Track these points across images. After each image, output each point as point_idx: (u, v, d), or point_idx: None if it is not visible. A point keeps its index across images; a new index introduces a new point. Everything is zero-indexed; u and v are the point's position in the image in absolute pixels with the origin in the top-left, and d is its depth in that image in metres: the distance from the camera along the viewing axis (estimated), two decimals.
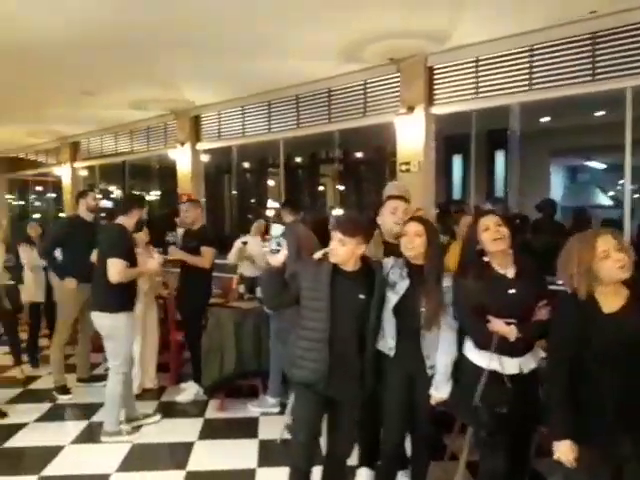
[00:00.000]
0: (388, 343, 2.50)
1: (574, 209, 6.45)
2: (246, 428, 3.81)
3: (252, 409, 4.09)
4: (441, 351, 2.45)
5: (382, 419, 2.62)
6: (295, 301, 2.44)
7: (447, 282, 2.46)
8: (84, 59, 5.17)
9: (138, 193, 7.05)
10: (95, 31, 4.37)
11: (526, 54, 4.50)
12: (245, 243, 5.21)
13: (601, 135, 6.64)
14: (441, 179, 5.86)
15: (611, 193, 9.05)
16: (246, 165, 10.49)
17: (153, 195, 10.52)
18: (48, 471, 3.21)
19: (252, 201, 10.85)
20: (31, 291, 5.35)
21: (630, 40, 3.90)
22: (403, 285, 2.47)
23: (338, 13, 4.05)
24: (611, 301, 1.95)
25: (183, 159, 7.65)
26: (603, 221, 5.91)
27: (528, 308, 2.31)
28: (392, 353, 2.50)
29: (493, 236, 2.31)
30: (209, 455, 3.43)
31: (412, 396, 2.52)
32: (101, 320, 3.59)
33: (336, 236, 2.34)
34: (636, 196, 8.84)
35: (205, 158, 7.77)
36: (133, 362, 3.96)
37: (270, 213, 9.57)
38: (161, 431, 3.78)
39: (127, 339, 3.62)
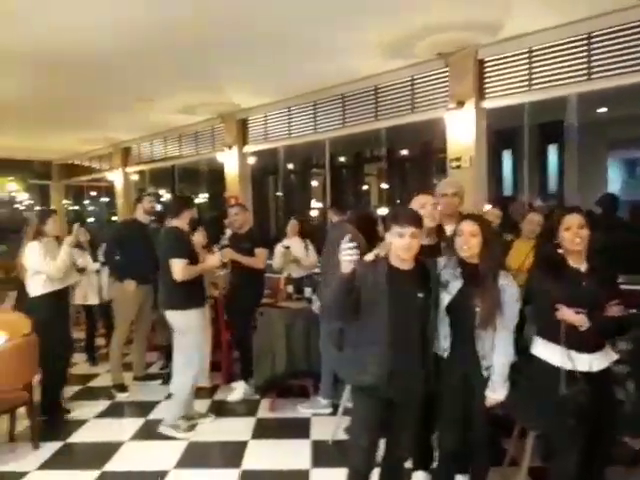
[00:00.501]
0: (442, 344, 2.46)
1: (631, 204, 6.12)
2: (298, 428, 3.81)
3: (303, 411, 4.09)
4: (498, 352, 2.40)
5: (438, 422, 2.56)
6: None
7: (503, 280, 2.39)
8: (136, 67, 5.35)
9: (185, 194, 7.17)
10: (146, 39, 4.51)
11: (584, 42, 4.30)
12: (287, 247, 5.25)
13: None
14: (491, 175, 5.68)
15: None
16: (291, 166, 10.55)
17: (201, 198, 10.75)
18: (109, 466, 3.31)
19: (297, 202, 10.91)
20: (84, 294, 5.52)
21: None
22: (456, 285, 2.42)
23: (386, 9, 4.01)
24: None
25: (230, 162, 7.77)
26: None
27: (599, 303, 2.30)
28: (446, 354, 2.45)
29: (573, 238, 2.33)
30: (263, 454, 3.44)
31: (468, 398, 2.45)
32: (173, 317, 3.72)
33: (407, 231, 2.26)
34: None
35: (252, 160, 7.86)
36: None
37: (314, 213, 9.61)
38: (216, 430, 3.83)
39: (198, 334, 3.72)
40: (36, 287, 3.86)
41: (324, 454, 3.39)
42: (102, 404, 4.38)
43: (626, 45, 4.06)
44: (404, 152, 9.46)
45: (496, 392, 2.40)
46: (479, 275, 2.39)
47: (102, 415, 4.18)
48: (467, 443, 2.55)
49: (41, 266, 3.79)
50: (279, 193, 9.73)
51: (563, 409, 2.25)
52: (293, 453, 3.42)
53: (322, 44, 4.77)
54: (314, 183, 10.95)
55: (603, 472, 2.47)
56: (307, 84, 6.22)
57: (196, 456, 3.45)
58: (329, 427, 3.64)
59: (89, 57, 4.94)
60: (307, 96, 6.61)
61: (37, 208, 13.75)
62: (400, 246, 2.27)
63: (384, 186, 9.61)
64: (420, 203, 2.85)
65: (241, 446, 3.55)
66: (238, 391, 4.42)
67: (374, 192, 10.58)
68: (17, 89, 6.02)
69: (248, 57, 5.12)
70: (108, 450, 3.52)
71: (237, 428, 3.82)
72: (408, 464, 2.71)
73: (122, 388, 4.62)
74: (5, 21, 4.10)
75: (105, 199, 13.20)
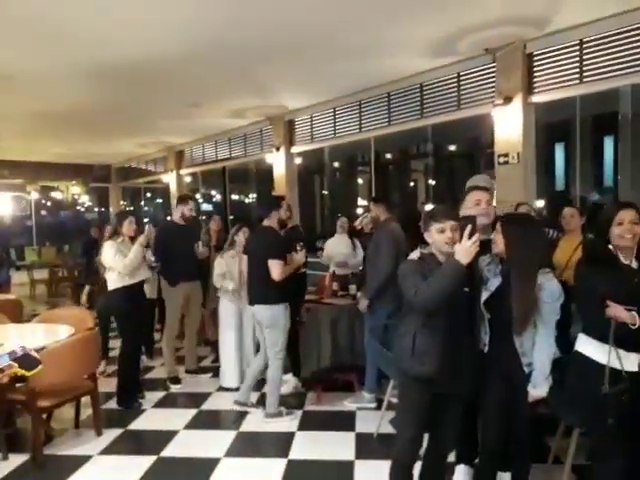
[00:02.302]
0: (482, 339, 2.47)
1: None
2: (343, 421, 3.89)
3: (348, 405, 4.17)
4: (538, 348, 2.39)
5: (481, 417, 2.57)
6: None
7: (541, 278, 2.36)
8: (188, 74, 5.60)
9: (274, 194, 7.16)
10: (196, 44, 4.71)
11: (638, 32, 4.14)
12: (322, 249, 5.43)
13: None
14: (541, 170, 5.54)
15: None
16: (336, 165, 10.64)
17: (250, 198, 11.02)
18: (166, 452, 3.51)
19: (342, 200, 10.99)
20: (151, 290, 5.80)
21: None
22: (495, 282, 2.44)
23: (432, 7, 4.02)
24: None
25: (278, 162, 7.95)
26: None
27: None
28: (486, 349, 2.47)
29: (625, 233, 2.30)
30: (309, 445, 3.55)
31: (510, 395, 2.45)
32: (263, 312, 3.92)
33: (447, 225, 2.29)
34: None
35: (298, 160, 8.00)
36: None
37: (360, 211, 9.65)
38: (263, 420, 3.96)
39: (285, 328, 3.91)
40: (111, 282, 4.23)
41: (368, 446, 3.47)
42: (158, 395, 4.63)
43: None
44: (451, 148, 9.34)
45: (537, 388, 2.39)
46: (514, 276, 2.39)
47: (158, 405, 4.41)
48: (509, 440, 2.56)
49: (112, 263, 4.14)
50: (325, 192, 9.83)
51: (604, 408, 2.22)
52: (338, 445, 3.51)
53: (368, 44, 4.82)
54: (360, 181, 11.00)
55: None
56: (353, 84, 6.29)
57: (245, 445, 3.60)
58: (373, 421, 3.71)
59: (145, 66, 5.23)
60: (353, 96, 6.68)
61: (96, 209, 14.55)
62: (443, 241, 2.31)
63: (431, 182, 9.52)
64: (475, 200, 2.80)
65: (288, 437, 3.67)
66: (289, 384, 4.55)
67: (421, 188, 10.51)
68: (79, 99, 6.44)
69: (296, 59, 5.25)
70: (164, 437, 3.72)
71: (284, 420, 3.95)
72: (450, 458, 2.73)
73: (176, 380, 4.86)
74: (68, 34, 4.41)
75: (160, 200, 13.75)
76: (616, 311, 2.24)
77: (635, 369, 2.25)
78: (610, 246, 2.35)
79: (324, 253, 5.63)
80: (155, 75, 5.55)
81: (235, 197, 10.75)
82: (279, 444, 3.58)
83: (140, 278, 4.30)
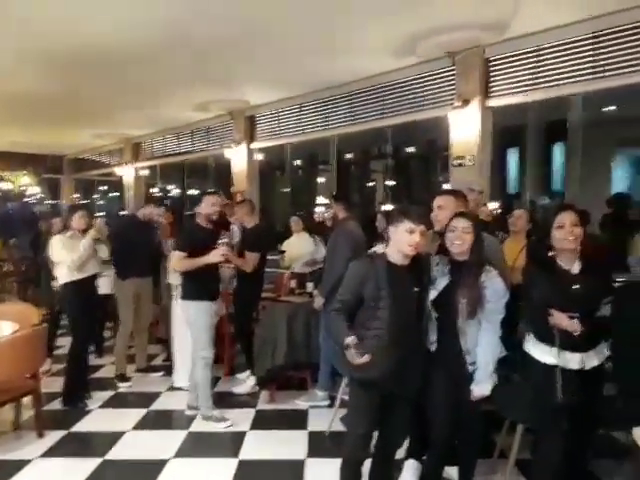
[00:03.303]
0: (430, 338, 2.50)
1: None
2: (296, 420, 3.86)
3: (301, 403, 4.14)
4: (481, 346, 2.44)
5: (429, 413, 2.59)
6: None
7: (486, 276, 2.43)
8: (150, 64, 5.43)
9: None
10: (160, 36, 4.58)
11: (590, 41, 4.29)
12: (283, 252, 5.43)
13: None
14: (495, 173, 5.68)
15: None
16: (298, 162, 10.60)
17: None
18: (111, 455, 3.38)
19: (304, 198, 10.97)
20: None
21: None
22: (442, 282, 2.47)
23: (395, 9, 4.04)
24: None
25: (238, 158, 7.83)
26: None
27: (592, 304, 2.28)
28: (433, 347, 2.50)
29: (566, 236, 2.30)
30: (260, 445, 3.50)
31: (456, 392, 2.48)
32: (182, 307, 3.89)
33: (419, 228, 2.30)
34: None
35: (259, 157, 7.92)
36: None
37: (320, 209, 9.64)
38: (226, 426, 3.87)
39: (205, 326, 3.78)
40: (61, 276, 4.10)
41: (320, 445, 3.45)
42: (106, 394, 4.46)
43: (632, 44, 4.04)
44: (410, 149, 9.47)
45: (480, 386, 2.43)
46: (464, 272, 2.42)
47: (106, 405, 4.25)
48: (457, 435, 2.59)
49: (59, 257, 4.03)
50: (286, 189, 9.78)
51: (556, 412, 2.26)
52: (290, 444, 3.48)
53: (332, 43, 4.82)
54: (321, 179, 11.00)
55: (586, 464, 2.50)
56: (317, 82, 6.26)
57: (195, 446, 3.52)
58: (326, 419, 3.69)
59: (103, 54, 5.03)
60: (316, 93, 6.64)
61: (47, 202, 13.97)
62: (408, 242, 2.29)
63: (389, 183, 9.63)
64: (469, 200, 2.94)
65: (240, 436, 3.61)
66: (247, 383, 4.48)
67: (380, 189, 10.61)
68: (32, 85, 6.14)
69: (261, 55, 5.18)
70: (110, 439, 3.58)
71: (236, 419, 3.88)
72: (399, 454, 2.74)
73: (124, 378, 4.71)
74: (18, 19, 4.18)
75: (115, 194, 13.34)
76: (559, 319, 2.26)
77: (577, 367, 2.31)
78: (552, 252, 2.36)
79: (286, 256, 5.58)
80: (112, 63, 5.35)
81: (193, 192, 10.55)
82: (230, 444, 3.51)
83: (90, 273, 4.15)
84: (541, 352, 2.38)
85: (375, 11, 4.09)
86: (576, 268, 2.34)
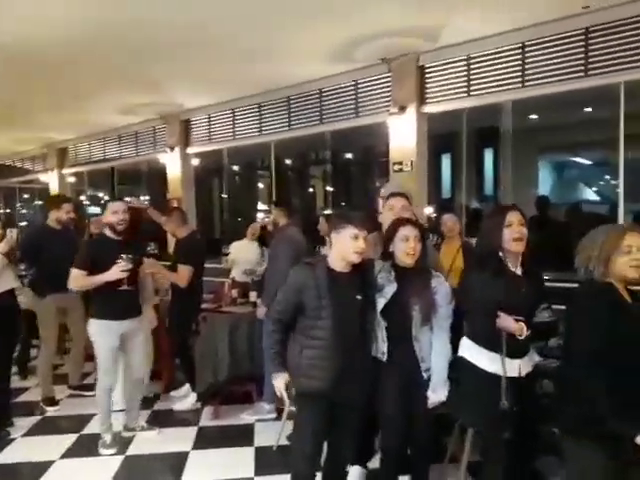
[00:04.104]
0: (380, 347, 2.46)
1: (569, 205, 6.49)
2: (242, 435, 3.73)
3: (246, 417, 4.01)
4: (436, 353, 2.43)
5: (381, 423, 2.56)
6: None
7: (435, 281, 2.45)
8: (73, 65, 5.10)
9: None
10: (83, 36, 4.31)
11: (518, 51, 4.47)
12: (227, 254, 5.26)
13: (588, 131, 6.67)
14: (430, 178, 5.82)
15: (595, 188, 9.09)
16: (236, 168, 10.42)
17: (143, 201, 10.40)
18: None
19: (242, 204, 10.80)
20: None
21: (623, 35, 3.89)
22: (390, 289, 2.43)
23: (330, 14, 4.02)
24: (625, 293, 1.93)
25: (173, 163, 7.56)
26: (587, 217, 5.98)
27: (534, 307, 2.32)
28: (385, 358, 2.44)
29: (515, 235, 2.25)
30: (204, 465, 3.33)
31: (410, 400, 2.46)
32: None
33: (363, 234, 2.25)
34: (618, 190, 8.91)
35: (195, 162, 7.69)
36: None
37: (260, 215, 9.52)
38: (154, 441, 3.67)
39: (102, 347, 3.48)
40: None
41: (268, 460, 3.33)
42: (32, 420, 4.11)
43: (558, 54, 4.25)
44: (348, 155, 9.55)
45: (437, 393, 2.43)
46: (413, 278, 2.41)
47: (31, 432, 3.91)
48: (409, 444, 2.57)
49: None
50: (224, 195, 9.57)
51: (500, 419, 2.27)
52: (236, 462, 3.34)
53: (266, 46, 4.73)
54: (260, 185, 10.87)
55: (531, 464, 2.56)
56: (252, 86, 6.15)
57: (133, 471, 3.30)
58: (273, 432, 3.58)
59: (24, 53, 4.66)
60: (252, 98, 6.53)
61: None
62: (354, 248, 2.24)
63: (329, 189, 9.66)
64: (390, 205, 2.86)
65: (181, 457, 3.42)
66: (187, 400, 4.27)
67: (319, 194, 10.63)
68: None
69: (191, 58, 5.01)
70: (37, 469, 3.29)
71: (177, 438, 3.69)
72: None
73: (52, 402, 4.36)
74: None
75: (39, 202, 12.53)
76: (506, 322, 2.23)
77: (516, 374, 2.29)
78: (500, 253, 2.30)
79: (229, 256, 5.43)
80: (34, 63, 4.98)
81: (125, 199, 10.09)
82: (171, 467, 3.32)
83: (4, 288, 3.78)
84: (480, 358, 2.32)
85: (311, 16, 4.05)
86: (519, 271, 2.33)
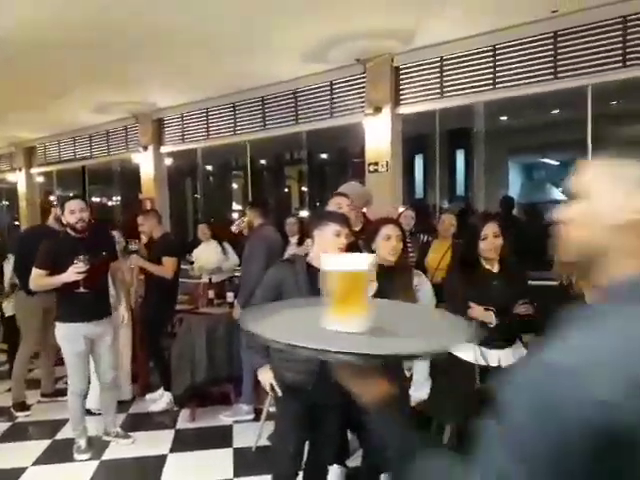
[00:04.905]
0: None
1: (525, 205, 6.69)
2: (220, 437, 3.70)
3: (225, 419, 3.98)
4: None
5: (364, 421, 2.57)
6: None
7: (417, 279, 2.50)
8: (43, 62, 4.97)
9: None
10: (53, 33, 4.20)
11: (490, 53, 4.56)
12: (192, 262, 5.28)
13: (556, 133, 6.86)
14: (405, 179, 5.91)
15: (562, 189, 9.37)
16: (210, 168, 10.33)
17: (115, 201, 10.22)
18: None
19: (217, 205, 10.70)
20: None
21: (590, 38, 4.02)
22: (371, 288, 2.45)
23: (306, 14, 4.02)
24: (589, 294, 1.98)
25: (146, 163, 7.45)
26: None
27: (508, 301, 2.42)
28: None
29: (489, 247, 2.47)
30: (182, 468, 3.30)
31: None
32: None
33: (343, 231, 2.29)
34: None
35: (168, 161, 7.59)
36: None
37: (235, 216, 9.46)
38: (131, 445, 3.62)
39: (70, 351, 3.40)
40: None
41: (246, 462, 3.32)
42: (1, 427, 4.00)
43: (529, 57, 4.35)
44: (324, 156, 9.58)
45: (419, 391, 2.47)
46: (394, 276, 2.45)
47: (1, 439, 3.81)
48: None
49: None
50: (197, 195, 9.47)
51: (477, 402, 2.35)
52: (214, 464, 3.31)
53: (241, 46, 4.70)
54: (235, 185, 10.80)
55: None
56: (226, 85, 6.10)
57: (109, 476, 3.25)
58: (252, 434, 3.57)
59: None
60: (226, 97, 6.49)
61: None
62: (337, 245, 2.27)
63: (304, 189, 9.67)
64: (336, 203, 2.96)
65: (159, 461, 3.38)
66: (162, 400, 4.22)
67: (295, 194, 10.62)
68: None
69: (164, 56, 4.95)
70: (7, 478, 3.20)
71: (155, 441, 3.64)
72: None
73: (23, 407, 4.25)
74: None
75: (5, 202, 12.17)
76: (476, 312, 2.39)
77: (495, 364, 2.43)
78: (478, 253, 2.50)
79: (195, 266, 5.38)
80: (1, 61, 4.83)
81: (98, 199, 9.89)
82: (148, 471, 3.28)
83: None
84: (460, 348, 2.45)
85: (285, 15, 4.04)
86: (495, 268, 2.51)
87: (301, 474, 2.48)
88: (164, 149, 7.39)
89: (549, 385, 0.63)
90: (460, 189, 9.03)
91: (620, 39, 3.92)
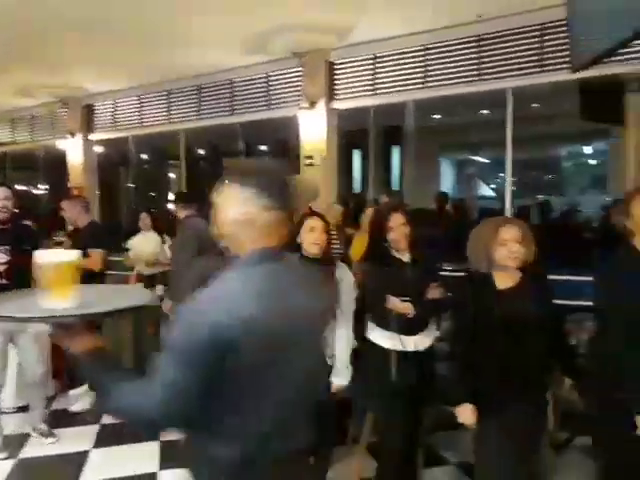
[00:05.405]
0: None
1: (454, 201, 7.02)
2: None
3: None
4: (338, 339, 2.54)
5: None
6: None
7: (339, 271, 2.56)
8: None
9: None
10: None
11: (420, 53, 4.72)
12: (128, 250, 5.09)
13: (485, 132, 7.20)
14: (342, 173, 6.01)
15: (493, 186, 9.89)
16: (145, 157, 10.01)
17: (41, 189, 9.68)
18: None
19: (152, 194, 10.40)
20: None
21: (511, 44, 4.25)
22: None
23: (243, 4, 3.99)
24: (504, 280, 2.12)
25: (74, 150, 7.13)
26: (480, 211, 6.50)
27: (422, 289, 2.52)
28: None
29: (397, 237, 2.52)
30: (105, 464, 3.22)
31: (315, 386, 2.55)
32: None
33: (317, 225, 2.37)
34: (513, 188, 9.75)
35: (99, 149, 7.30)
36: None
37: (171, 206, 9.23)
38: (52, 442, 3.48)
39: None
40: None
41: (174, 454, 3.27)
42: None
43: (456, 59, 4.54)
44: (262, 147, 9.53)
45: (339, 377, 2.54)
46: (318, 268, 2.51)
47: None
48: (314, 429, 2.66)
49: None
50: (131, 184, 9.16)
51: (394, 393, 2.46)
52: (140, 457, 3.26)
53: (174, 31, 4.60)
54: (172, 175, 10.52)
55: (423, 439, 2.77)
56: (160, 72, 5.95)
57: (26, 475, 3.12)
58: None
59: None
60: (161, 85, 6.33)
61: None
62: (313, 240, 2.38)
63: None
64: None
65: (81, 457, 3.28)
66: (84, 400, 4.08)
67: None
68: None
69: (96, 39, 4.75)
70: None
71: (77, 437, 3.53)
72: None
73: None
74: None
75: None
76: (394, 304, 2.48)
77: (412, 349, 2.53)
78: (385, 244, 2.56)
79: (131, 254, 5.22)
80: None
81: (21, 187, 9.32)
82: (68, 468, 3.17)
83: None
84: (380, 337, 2.56)
85: (224, 5, 4.01)
86: (406, 257, 2.59)
87: None
88: (94, 136, 7.09)
89: (191, 313, 1.14)
90: (395, 184, 9.27)
91: (538, 45, 4.18)
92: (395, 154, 8.74)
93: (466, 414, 2.07)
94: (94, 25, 4.38)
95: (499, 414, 2.02)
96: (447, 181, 9.70)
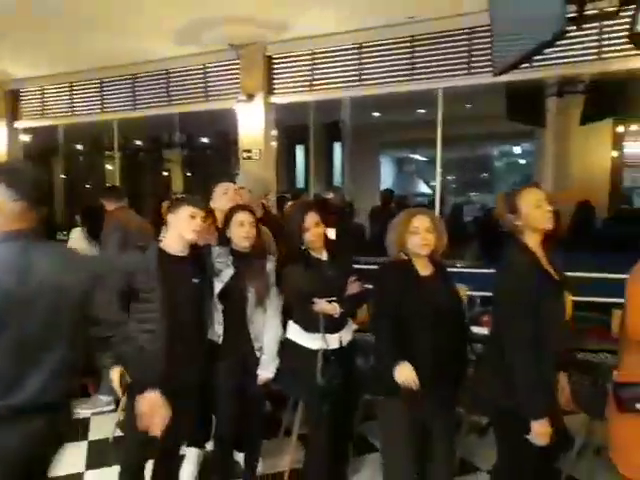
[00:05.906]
0: (217, 330, 2.53)
1: (397, 197, 7.22)
2: (75, 431, 3.52)
3: (82, 412, 3.80)
4: (267, 331, 2.56)
5: (214, 405, 2.62)
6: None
7: (270, 265, 2.59)
8: None
9: None
10: None
11: (356, 51, 4.80)
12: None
13: (422, 130, 7.41)
14: (284, 168, 6.03)
15: (433, 183, 10.22)
16: (79, 147, 9.60)
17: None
18: None
19: (87, 186, 9.98)
20: None
21: (442, 45, 4.41)
22: (227, 273, 2.51)
23: None
24: (424, 268, 2.22)
25: None
26: (414, 206, 6.75)
27: (343, 286, 2.54)
28: (220, 340, 2.53)
29: (313, 237, 2.50)
30: None
31: (243, 380, 2.57)
32: None
33: (199, 213, 2.29)
34: (453, 186, 10.12)
35: (25, 138, 6.92)
36: None
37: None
38: None
39: None
40: None
41: (101, 454, 3.21)
42: None
43: (390, 58, 4.65)
44: (204, 140, 9.38)
45: (266, 370, 2.56)
46: (249, 262, 2.52)
47: None
48: (243, 422, 2.68)
49: None
50: (62, 176, 8.76)
51: (321, 394, 2.48)
52: (66, 458, 3.09)
53: (107, 16, 4.43)
54: (109, 167, 10.14)
55: (352, 429, 2.84)
56: (93, 59, 5.73)
57: None
58: (111, 425, 3.45)
59: None
60: (93, 72, 6.08)
61: None
62: (193, 227, 2.27)
63: (188, 173, 9.39)
64: (224, 189, 3.01)
65: None
66: None
67: (176, 178, 10.26)
68: None
69: (21, 21, 4.50)
70: None
71: None
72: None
73: None
74: None
75: None
76: (321, 306, 2.46)
77: (337, 346, 2.54)
78: (303, 246, 2.52)
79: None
80: None
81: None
82: None
83: None
84: (307, 339, 2.52)
85: None
86: (324, 255, 2.58)
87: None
88: (19, 124, 6.73)
89: None
90: (338, 180, 9.39)
91: (466, 48, 4.35)
92: (337, 150, 8.83)
93: (405, 371, 2.03)
94: (22, 7, 4.15)
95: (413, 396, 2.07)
96: (388, 178, 9.92)
